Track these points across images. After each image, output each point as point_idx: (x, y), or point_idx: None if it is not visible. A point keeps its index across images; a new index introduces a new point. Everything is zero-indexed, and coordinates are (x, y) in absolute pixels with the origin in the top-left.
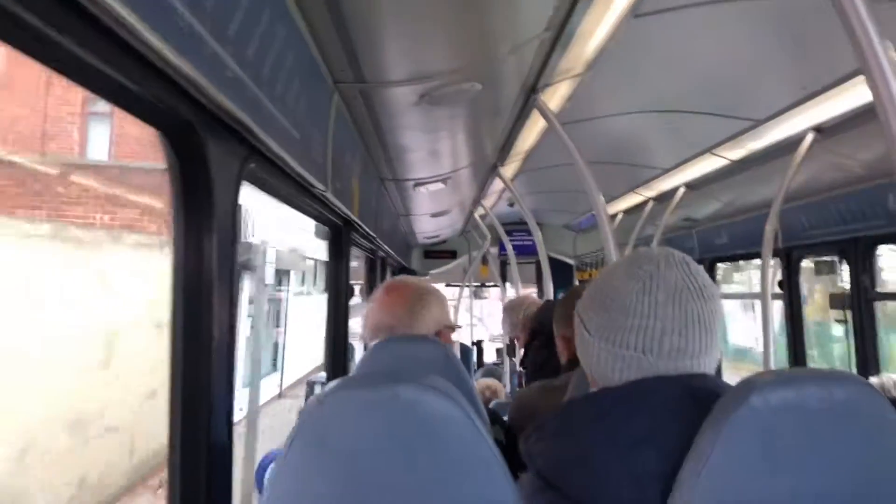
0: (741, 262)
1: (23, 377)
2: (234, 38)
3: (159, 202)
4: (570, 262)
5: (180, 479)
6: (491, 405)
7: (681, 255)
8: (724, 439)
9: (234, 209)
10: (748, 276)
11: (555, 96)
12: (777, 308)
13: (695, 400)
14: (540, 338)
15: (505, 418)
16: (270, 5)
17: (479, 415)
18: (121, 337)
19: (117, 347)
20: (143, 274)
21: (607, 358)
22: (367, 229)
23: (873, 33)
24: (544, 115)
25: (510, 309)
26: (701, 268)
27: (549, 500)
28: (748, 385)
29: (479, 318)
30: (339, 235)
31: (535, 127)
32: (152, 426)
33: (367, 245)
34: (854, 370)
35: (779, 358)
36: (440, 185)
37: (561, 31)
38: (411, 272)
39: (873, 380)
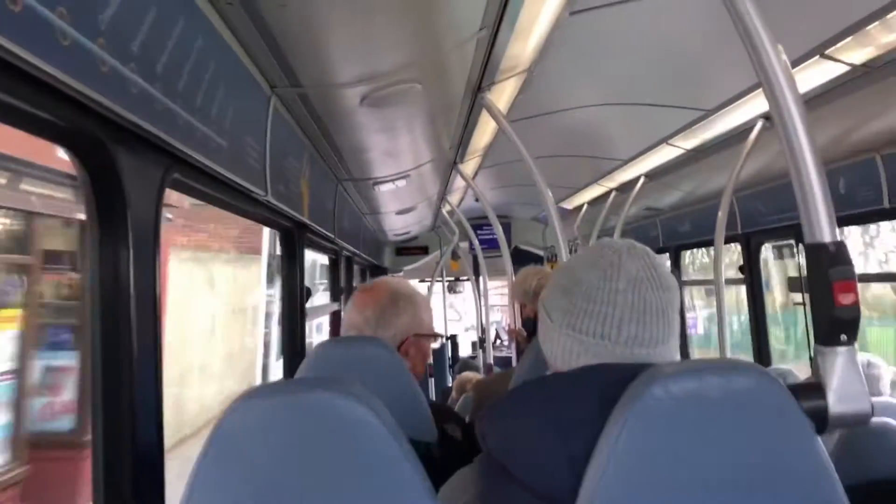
0: (709, 249)
1: (177, 340)
2: (138, 54)
3: (221, 228)
4: (541, 253)
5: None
6: (462, 397)
7: (642, 246)
8: (628, 428)
9: (156, 219)
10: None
11: (504, 94)
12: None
13: None
14: None
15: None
16: (185, 17)
17: (414, 414)
18: (216, 318)
19: (216, 324)
20: (228, 279)
21: (567, 343)
22: (325, 230)
23: (766, 41)
24: (491, 113)
25: (524, 278)
26: (660, 260)
27: (497, 479)
28: (650, 376)
29: (459, 315)
30: (291, 238)
31: (489, 124)
32: (231, 378)
33: (328, 246)
34: (812, 350)
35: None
36: (401, 184)
37: (496, 31)
38: (383, 270)
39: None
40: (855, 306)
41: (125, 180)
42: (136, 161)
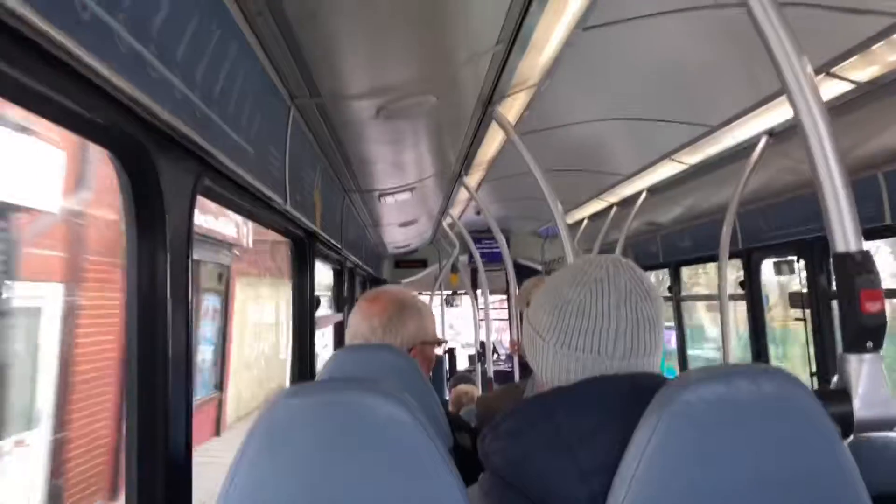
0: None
1: (240, 343)
2: (182, 61)
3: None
4: (539, 268)
5: (138, 497)
6: (462, 411)
7: (626, 260)
8: (659, 432)
9: (189, 224)
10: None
11: (514, 107)
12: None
13: (639, 396)
14: None
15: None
16: (220, 27)
17: (435, 419)
18: (261, 326)
19: (261, 332)
20: (269, 297)
21: (561, 360)
22: (333, 241)
23: (791, 51)
24: (502, 126)
25: (527, 288)
26: (643, 272)
27: (505, 498)
28: (682, 380)
29: (457, 331)
30: (302, 248)
31: (496, 137)
32: (269, 375)
33: (334, 256)
34: (814, 366)
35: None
36: (405, 196)
37: (511, 45)
38: (382, 282)
39: None
40: (881, 314)
41: (163, 185)
42: (173, 166)
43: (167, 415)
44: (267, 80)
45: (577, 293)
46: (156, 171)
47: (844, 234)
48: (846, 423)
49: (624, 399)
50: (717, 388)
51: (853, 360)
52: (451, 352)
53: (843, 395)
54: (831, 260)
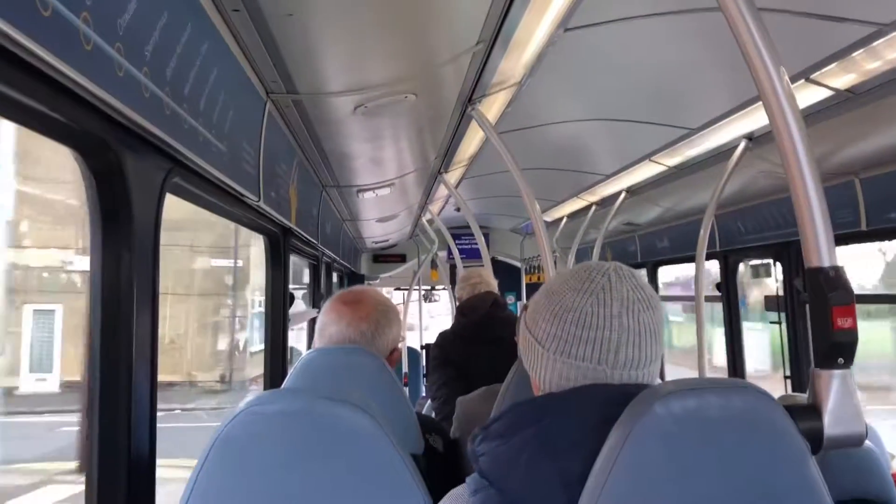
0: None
1: None
2: (151, 59)
3: None
4: (518, 264)
5: (98, 495)
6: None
7: (627, 268)
8: (629, 445)
9: (157, 221)
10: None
11: (494, 105)
12: None
13: (626, 406)
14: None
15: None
16: (194, 23)
17: (405, 425)
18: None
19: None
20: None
21: (562, 369)
22: (308, 236)
23: (769, 60)
24: (481, 125)
25: (466, 277)
26: (645, 279)
27: (489, 499)
28: (653, 394)
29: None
30: (277, 243)
31: (476, 134)
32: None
33: (310, 252)
34: (788, 369)
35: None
36: (383, 192)
37: (492, 45)
38: (360, 277)
39: None
40: (853, 330)
41: (130, 182)
42: (141, 164)
43: (131, 408)
44: (242, 76)
45: (579, 301)
46: (122, 169)
47: (818, 248)
48: (815, 439)
49: (611, 408)
50: (687, 403)
51: (824, 375)
52: (427, 347)
53: (813, 410)
54: (804, 275)
